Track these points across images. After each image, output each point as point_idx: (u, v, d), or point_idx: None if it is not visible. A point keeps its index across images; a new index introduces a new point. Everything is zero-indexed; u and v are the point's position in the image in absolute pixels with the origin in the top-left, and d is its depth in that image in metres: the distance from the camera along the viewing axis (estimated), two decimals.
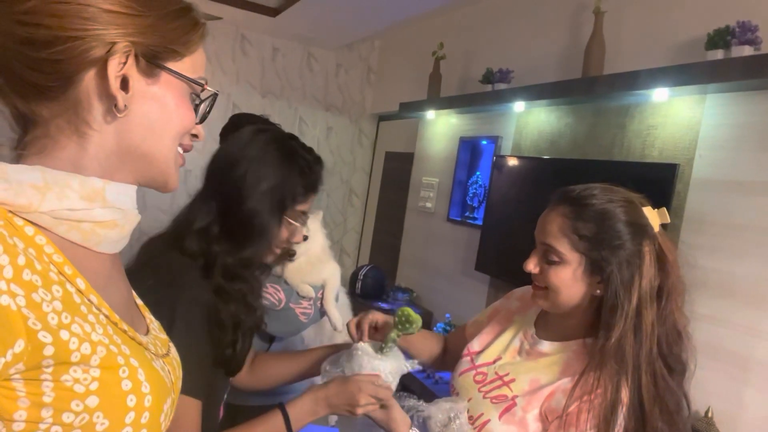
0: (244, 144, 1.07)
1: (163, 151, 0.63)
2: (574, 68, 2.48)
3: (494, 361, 1.19)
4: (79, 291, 0.55)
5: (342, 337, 1.58)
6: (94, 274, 0.58)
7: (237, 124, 1.80)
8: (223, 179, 1.05)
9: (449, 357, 1.36)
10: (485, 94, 2.94)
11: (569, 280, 1.05)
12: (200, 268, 0.99)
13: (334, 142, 4.61)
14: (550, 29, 2.80)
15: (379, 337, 1.24)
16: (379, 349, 1.17)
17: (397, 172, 4.22)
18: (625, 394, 0.96)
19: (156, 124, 0.61)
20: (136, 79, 0.58)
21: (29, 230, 0.53)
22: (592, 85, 2.27)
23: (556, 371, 1.07)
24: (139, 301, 0.73)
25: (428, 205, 3.68)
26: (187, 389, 0.90)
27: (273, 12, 3.82)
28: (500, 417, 1.07)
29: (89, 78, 0.56)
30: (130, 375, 0.56)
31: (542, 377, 1.08)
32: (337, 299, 1.72)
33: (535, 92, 2.58)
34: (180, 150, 0.66)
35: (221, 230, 1.01)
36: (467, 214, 3.37)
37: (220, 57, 4.16)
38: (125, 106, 0.57)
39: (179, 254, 1.01)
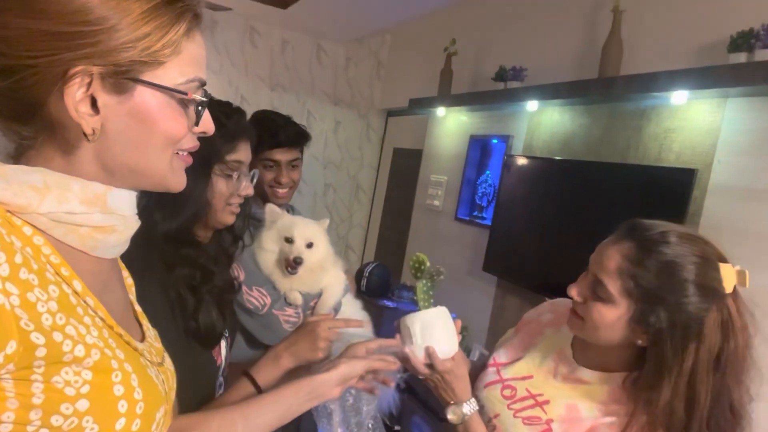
0: None
1: (151, 164, 0.59)
2: (590, 68, 2.43)
3: (524, 378, 1.12)
4: (76, 293, 0.54)
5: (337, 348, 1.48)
6: (92, 277, 0.57)
7: (260, 119, 1.68)
8: None
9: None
10: (497, 92, 2.89)
11: (611, 322, 0.95)
12: (142, 244, 0.96)
13: (342, 137, 4.57)
14: (566, 27, 2.75)
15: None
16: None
17: (405, 168, 4.17)
18: None
19: (137, 140, 0.57)
20: (105, 99, 0.53)
21: (27, 230, 0.52)
22: (609, 86, 2.22)
23: (596, 403, 1.00)
24: (138, 308, 0.71)
25: (436, 203, 3.63)
26: None
27: (283, 4, 3.77)
28: None
29: (55, 103, 0.52)
30: (123, 380, 0.55)
31: (581, 405, 1.02)
32: (337, 310, 1.59)
33: (550, 91, 2.53)
34: (183, 152, 0.62)
35: (156, 200, 0.97)
36: (475, 213, 3.33)
37: (229, 49, 4.11)
38: (94, 131, 0.54)
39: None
